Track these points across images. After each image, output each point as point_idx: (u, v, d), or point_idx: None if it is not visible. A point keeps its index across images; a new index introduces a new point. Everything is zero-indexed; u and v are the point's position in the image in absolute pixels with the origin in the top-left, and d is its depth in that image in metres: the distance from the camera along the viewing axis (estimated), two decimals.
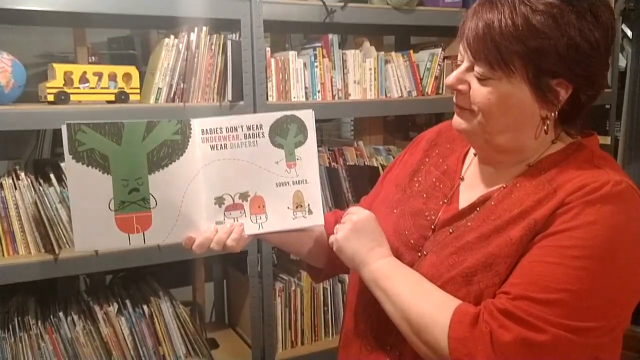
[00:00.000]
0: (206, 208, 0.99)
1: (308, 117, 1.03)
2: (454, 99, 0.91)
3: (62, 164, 0.85)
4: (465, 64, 0.87)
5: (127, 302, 1.84)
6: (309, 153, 1.02)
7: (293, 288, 2.08)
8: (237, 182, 1.00)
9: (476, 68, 0.85)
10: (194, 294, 2.24)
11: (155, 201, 0.97)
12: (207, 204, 0.99)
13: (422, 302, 0.86)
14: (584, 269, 0.78)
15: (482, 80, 0.85)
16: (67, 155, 0.94)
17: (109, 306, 1.80)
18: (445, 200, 0.98)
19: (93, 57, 2.05)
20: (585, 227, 0.79)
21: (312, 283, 2.09)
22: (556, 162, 0.89)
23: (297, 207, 1.03)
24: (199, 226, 0.99)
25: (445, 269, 0.88)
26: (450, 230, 0.92)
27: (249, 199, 1.01)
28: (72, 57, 2.00)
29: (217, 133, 0.99)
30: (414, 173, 1.05)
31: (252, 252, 1.97)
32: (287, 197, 1.02)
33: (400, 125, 2.70)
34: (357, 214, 0.96)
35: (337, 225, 0.98)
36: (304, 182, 1.01)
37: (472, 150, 1.02)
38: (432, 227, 0.96)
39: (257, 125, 1.00)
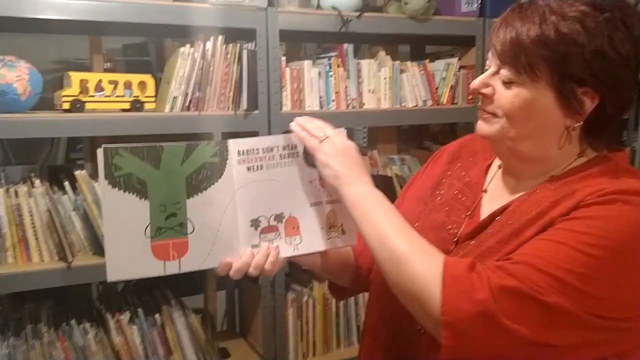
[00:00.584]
0: (242, 231, 0.95)
1: None
2: (479, 103, 0.91)
3: (96, 186, 0.79)
4: (491, 69, 0.88)
5: (139, 310, 1.84)
6: None
7: (305, 299, 2.06)
8: (273, 203, 0.97)
9: (502, 71, 0.85)
10: (205, 302, 2.23)
11: (193, 226, 0.93)
12: (243, 227, 0.96)
13: (412, 236, 0.85)
14: (594, 257, 0.75)
15: (507, 84, 0.85)
16: (103, 181, 0.89)
17: (121, 314, 1.80)
18: (468, 213, 0.96)
19: (108, 64, 2.06)
20: (605, 220, 0.78)
21: (324, 294, 2.07)
22: (579, 172, 0.88)
23: (330, 227, 0.99)
24: (235, 250, 0.95)
25: None
26: (472, 242, 0.91)
27: (283, 220, 0.97)
28: (88, 64, 2.01)
29: (254, 154, 0.96)
30: (436, 186, 1.04)
31: None
32: (321, 217, 0.98)
33: (414, 134, 2.68)
34: (336, 134, 0.94)
35: (318, 139, 0.93)
36: (337, 201, 0.97)
37: (495, 163, 1.01)
38: (455, 240, 0.94)
39: (291, 145, 0.97)
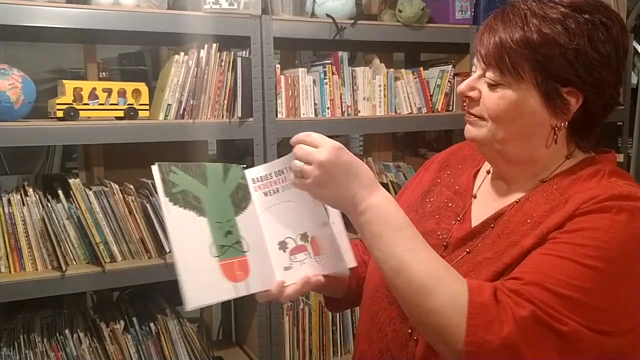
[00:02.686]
0: (272, 254, 0.93)
1: None
2: (466, 107, 0.92)
3: (164, 211, 0.77)
4: (477, 72, 0.90)
5: (134, 319, 1.82)
6: None
7: (301, 306, 2.05)
8: (296, 223, 0.94)
9: (487, 74, 0.87)
10: (200, 311, 2.22)
11: (247, 245, 0.90)
12: (272, 251, 0.94)
13: (430, 259, 0.80)
14: (597, 270, 0.76)
15: (492, 86, 0.86)
16: (164, 198, 0.86)
17: (116, 324, 1.79)
18: (458, 219, 0.96)
19: (103, 73, 2.06)
20: (601, 230, 0.78)
21: (320, 302, 2.06)
22: (568, 176, 0.89)
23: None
24: (273, 273, 0.93)
25: None
26: (467, 250, 0.91)
27: (309, 239, 0.94)
28: (83, 73, 2.01)
29: (268, 179, 0.95)
30: (426, 194, 1.04)
31: None
32: (332, 236, 0.94)
33: (409, 141, 2.68)
34: (321, 148, 0.82)
35: (299, 166, 0.84)
36: (333, 222, 0.94)
37: (483, 168, 1.02)
38: (444, 244, 0.94)
39: None
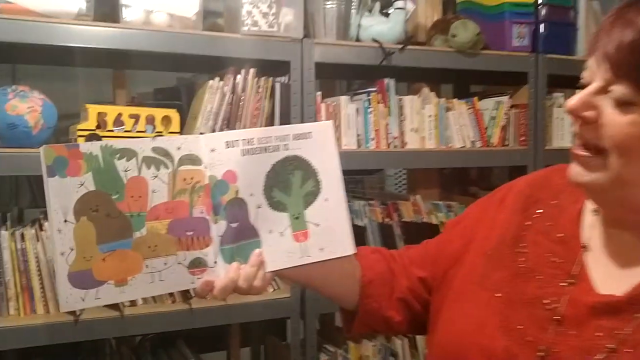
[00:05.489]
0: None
1: None
2: (576, 129, 0.69)
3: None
4: (595, 84, 0.66)
5: None
6: None
7: None
8: None
9: (615, 88, 0.64)
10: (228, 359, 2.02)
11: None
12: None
13: None
14: None
15: (622, 105, 0.63)
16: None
17: None
18: (571, 281, 0.73)
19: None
20: None
21: (361, 357, 1.84)
22: None
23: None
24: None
25: None
26: (600, 333, 0.66)
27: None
28: (110, 101, 1.88)
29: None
30: (514, 242, 0.80)
31: (294, 317, 1.75)
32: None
33: (458, 178, 2.47)
34: None
35: None
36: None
37: (588, 206, 0.78)
38: (557, 318, 0.71)
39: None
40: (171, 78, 2.07)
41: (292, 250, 0.82)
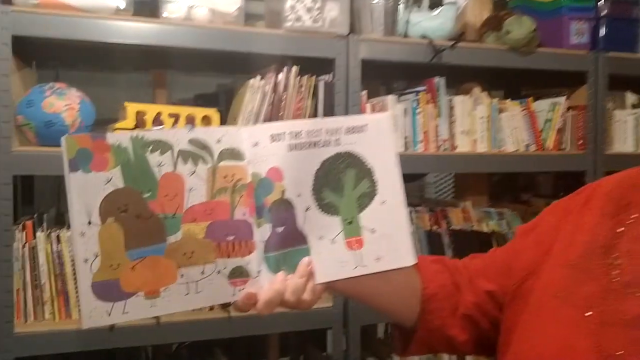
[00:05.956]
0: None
1: None
2: None
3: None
4: None
5: None
6: None
7: None
8: None
9: None
10: None
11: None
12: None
13: None
14: None
15: None
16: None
17: None
18: None
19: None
20: None
21: None
22: None
23: None
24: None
25: None
26: None
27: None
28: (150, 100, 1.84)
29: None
30: (604, 252, 0.69)
31: (337, 328, 1.66)
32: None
33: (509, 184, 2.34)
34: None
35: None
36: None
37: None
38: None
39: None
40: (211, 84, 2.03)
41: (344, 259, 0.72)
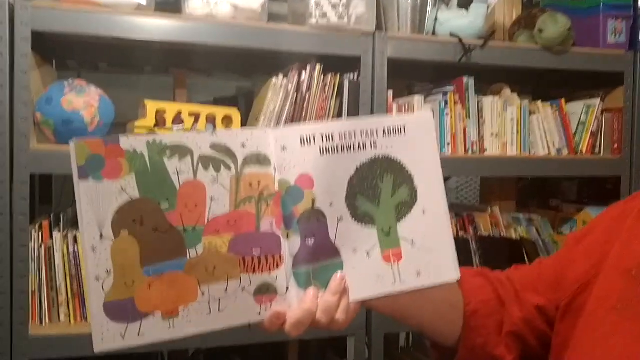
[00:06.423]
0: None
1: None
2: None
3: None
4: None
5: None
6: None
7: None
8: None
9: None
10: None
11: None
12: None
13: None
14: None
15: None
16: None
17: None
18: None
19: None
20: None
21: None
22: None
23: None
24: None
25: None
26: None
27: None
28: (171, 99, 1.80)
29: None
30: None
31: (359, 336, 1.60)
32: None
33: (537, 189, 2.26)
34: None
35: None
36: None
37: None
38: None
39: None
40: (231, 87, 1.99)
41: (381, 274, 0.65)
